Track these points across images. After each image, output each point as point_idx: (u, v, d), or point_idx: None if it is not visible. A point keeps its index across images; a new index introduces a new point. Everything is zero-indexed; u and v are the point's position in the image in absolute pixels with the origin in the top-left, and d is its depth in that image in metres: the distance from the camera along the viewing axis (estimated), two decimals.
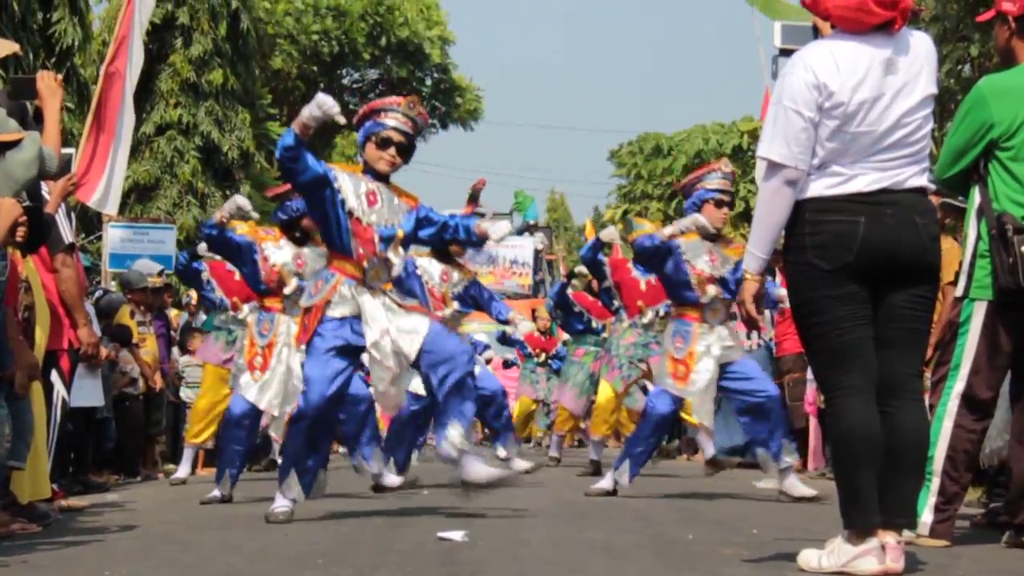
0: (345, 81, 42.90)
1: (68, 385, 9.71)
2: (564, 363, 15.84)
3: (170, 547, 6.74)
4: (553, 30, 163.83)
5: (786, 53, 10.56)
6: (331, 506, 9.11)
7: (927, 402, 6.08)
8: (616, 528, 7.34)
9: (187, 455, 13.38)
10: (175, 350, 16.16)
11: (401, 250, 8.00)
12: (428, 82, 42.94)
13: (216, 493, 9.91)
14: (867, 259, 5.13)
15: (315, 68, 40.04)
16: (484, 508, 8.21)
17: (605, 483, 10.24)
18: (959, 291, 6.41)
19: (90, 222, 23.68)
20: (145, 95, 25.28)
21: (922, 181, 5.25)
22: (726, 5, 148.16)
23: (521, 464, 12.38)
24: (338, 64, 40.74)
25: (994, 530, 7.02)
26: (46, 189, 8.17)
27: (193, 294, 17.91)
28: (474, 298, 11.76)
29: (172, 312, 16.82)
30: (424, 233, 8.31)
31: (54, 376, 9.01)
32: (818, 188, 5.21)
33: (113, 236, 19.68)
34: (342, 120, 7.82)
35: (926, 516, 6.29)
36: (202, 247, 11.29)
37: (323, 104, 7.57)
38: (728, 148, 39.22)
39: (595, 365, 14.39)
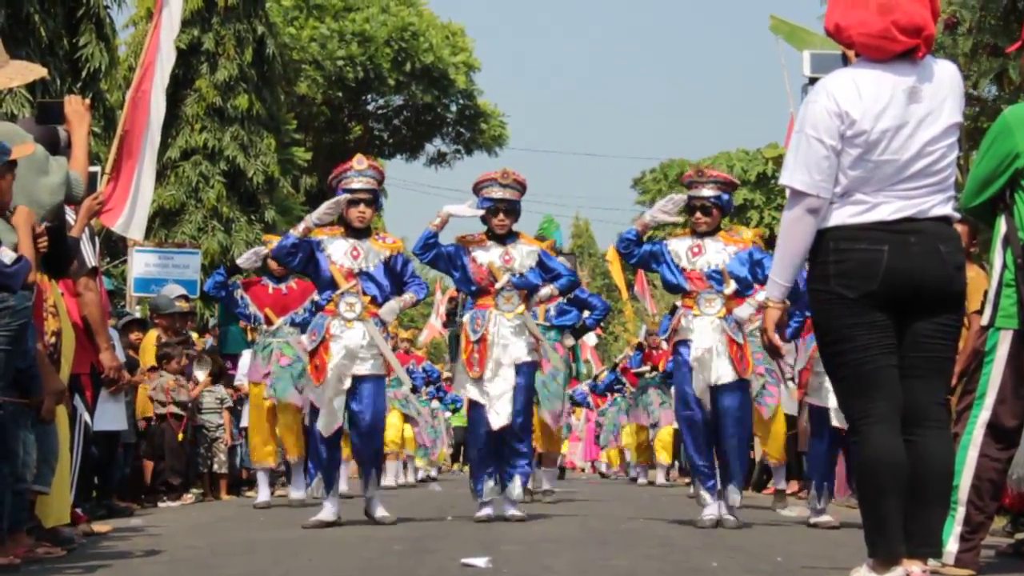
0: (370, 107, 42.97)
1: (91, 409, 9.74)
2: None
3: (194, 572, 6.74)
4: (578, 57, 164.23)
5: (815, 82, 10.57)
6: (355, 532, 9.11)
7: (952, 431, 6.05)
8: (640, 555, 7.32)
9: (261, 478, 13.41)
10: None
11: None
12: (453, 108, 42.99)
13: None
14: (891, 287, 5.12)
15: (340, 94, 40.09)
16: (508, 534, 8.20)
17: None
18: (984, 320, 6.38)
19: (115, 247, 23.74)
20: (170, 120, 25.27)
21: (946, 210, 5.23)
22: (751, 33, 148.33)
23: None
24: (363, 90, 40.76)
25: (1020, 559, 6.99)
26: (71, 214, 8.20)
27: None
28: None
29: (194, 336, 16.81)
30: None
31: (76, 400, 9.02)
32: (842, 216, 5.20)
33: (138, 261, 19.72)
34: None
35: (951, 545, 6.25)
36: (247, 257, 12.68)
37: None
38: (752, 175, 39.18)
39: None
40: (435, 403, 23.43)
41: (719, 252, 9.96)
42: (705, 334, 9.78)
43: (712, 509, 9.81)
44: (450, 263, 10.27)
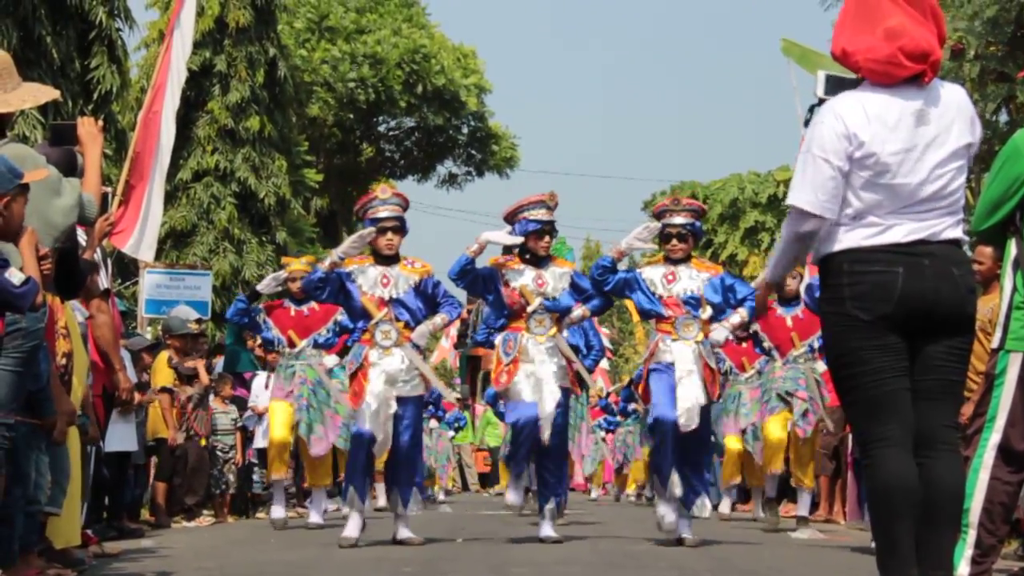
0: (381, 129, 42.98)
1: (102, 430, 9.74)
2: None
3: None
4: (589, 79, 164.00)
5: (824, 103, 10.62)
6: (366, 553, 9.10)
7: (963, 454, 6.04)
8: None
9: (277, 495, 13.26)
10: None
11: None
12: (464, 130, 42.94)
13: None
14: (905, 310, 5.09)
15: (351, 116, 40.06)
16: (518, 557, 8.18)
17: None
18: (995, 343, 6.38)
19: (127, 268, 23.78)
20: (182, 141, 25.31)
21: (957, 233, 5.22)
22: (762, 55, 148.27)
23: None
24: (374, 112, 40.75)
25: None
26: (82, 235, 8.21)
27: None
28: None
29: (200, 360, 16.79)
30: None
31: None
32: (855, 239, 5.18)
33: (150, 282, 19.77)
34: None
35: (963, 568, 6.25)
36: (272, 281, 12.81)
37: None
38: (763, 197, 39.21)
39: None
40: (433, 423, 23.31)
41: (693, 279, 10.35)
42: (685, 357, 10.10)
43: (672, 518, 10.04)
44: (485, 287, 10.38)
